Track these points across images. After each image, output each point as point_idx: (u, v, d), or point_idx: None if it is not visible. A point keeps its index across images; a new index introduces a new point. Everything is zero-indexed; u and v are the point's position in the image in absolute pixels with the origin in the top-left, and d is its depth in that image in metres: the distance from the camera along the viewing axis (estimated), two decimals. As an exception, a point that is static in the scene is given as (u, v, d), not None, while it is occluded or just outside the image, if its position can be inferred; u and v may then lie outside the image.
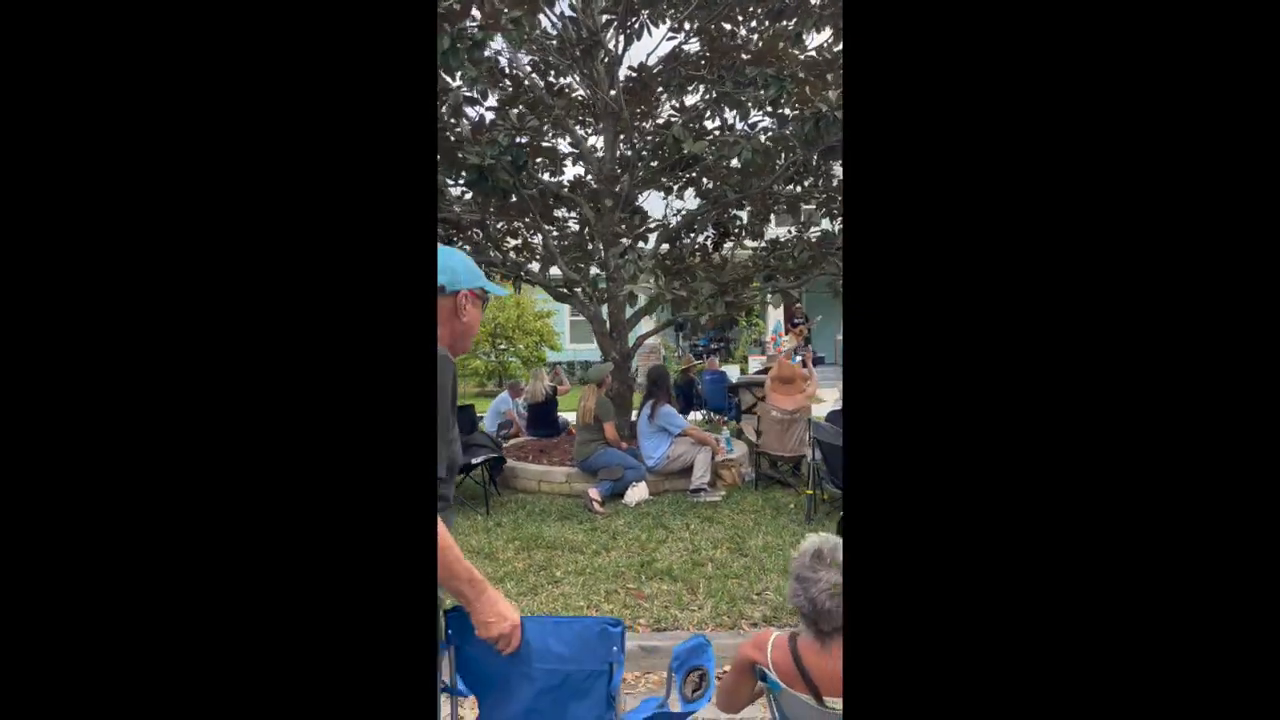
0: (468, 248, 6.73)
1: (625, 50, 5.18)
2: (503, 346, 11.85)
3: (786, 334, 12.69)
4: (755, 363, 11.38)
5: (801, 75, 4.25)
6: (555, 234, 6.50)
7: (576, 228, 6.32)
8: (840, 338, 15.06)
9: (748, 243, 6.86)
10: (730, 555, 3.68)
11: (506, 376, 12.00)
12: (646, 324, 14.54)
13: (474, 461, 4.43)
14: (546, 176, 5.65)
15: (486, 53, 3.49)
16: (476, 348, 11.68)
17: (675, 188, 6.10)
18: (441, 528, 1.13)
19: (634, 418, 5.42)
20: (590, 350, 15.75)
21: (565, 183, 5.93)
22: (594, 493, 4.47)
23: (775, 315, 13.90)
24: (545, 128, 4.56)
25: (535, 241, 6.33)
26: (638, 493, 4.56)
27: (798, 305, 13.05)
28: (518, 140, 3.71)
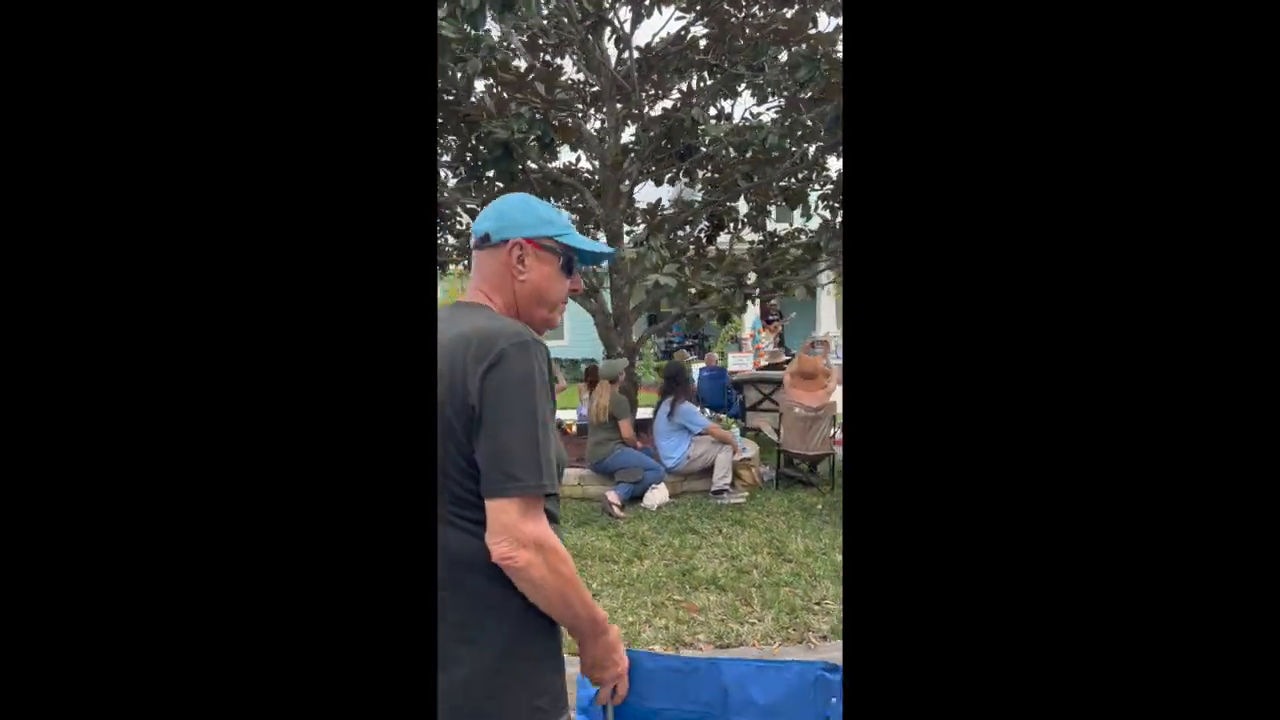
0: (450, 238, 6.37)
1: (635, 28, 4.91)
2: (475, 343, 11.31)
3: (763, 330, 12.63)
4: (734, 360, 11.23)
5: (837, 56, 4.07)
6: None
7: (573, 216, 6.02)
8: (815, 334, 15.11)
9: (744, 235, 6.68)
10: (774, 561, 3.47)
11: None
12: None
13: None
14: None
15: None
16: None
17: (668, 176, 5.86)
18: (570, 560, 0.92)
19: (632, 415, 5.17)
20: (561, 346, 15.40)
21: (560, 168, 5.62)
22: (613, 496, 4.20)
23: (752, 311, 13.82)
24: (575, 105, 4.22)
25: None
26: (658, 495, 4.31)
27: (772, 303, 12.97)
28: (539, 115, 3.41)
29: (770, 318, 12.96)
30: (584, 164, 6.14)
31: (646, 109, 4.98)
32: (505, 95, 3.43)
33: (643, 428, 5.14)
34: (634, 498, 4.32)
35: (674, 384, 4.58)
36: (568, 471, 4.63)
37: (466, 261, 6.74)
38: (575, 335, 15.01)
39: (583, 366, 9.75)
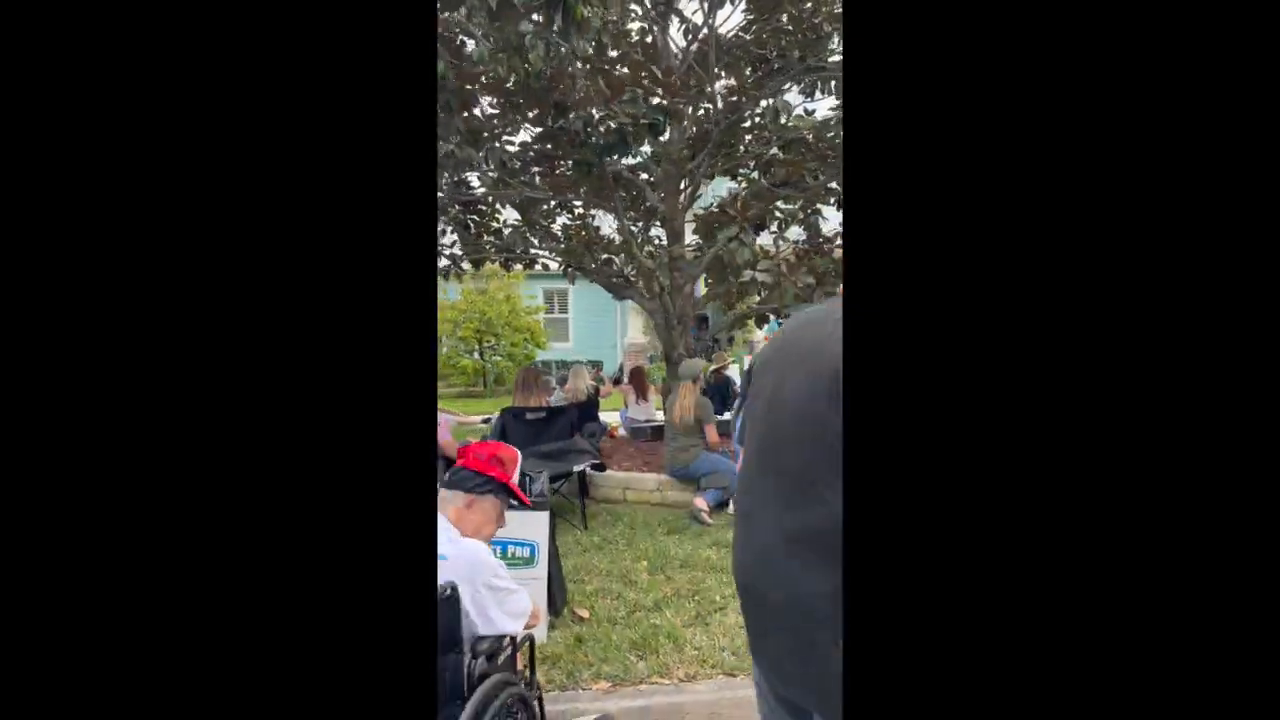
0: (489, 237, 6.12)
1: (709, 19, 4.75)
2: (489, 344, 11.06)
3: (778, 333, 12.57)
4: (748, 363, 11.15)
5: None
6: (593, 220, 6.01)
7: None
8: (823, 338, 15.05)
9: (789, 234, 6.55)
10: (893, 571, 3.32)
11: (495, 377, 11.26)
12: (635, 326, 14.08)
13: (575, 469, 3.89)
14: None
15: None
16: (463, 344, 10.87)
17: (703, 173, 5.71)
18: None
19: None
20: (565, 349, 15.18)
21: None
22: (701, 502, 4.02)
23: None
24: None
25: (588, 226, 5.79)
26: (745, 502, 4.14)
27: (781, 305, 12.85)
28: (656, 101, 3.23)
29: (781, 320, 12.89)
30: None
31: (719, 102, 4.82)
32: (621, 80, 3.25)
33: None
34: (720, 504, 4.15)
35: (757, 386, 4.42)
36: (645, 477, 4.46)
37: (503, 259, 6.51)
38: (580, 338, 14.82)
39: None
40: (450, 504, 1.79)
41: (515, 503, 1.94)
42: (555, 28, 2.25)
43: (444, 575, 1.57)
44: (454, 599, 1.51)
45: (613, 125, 3.16)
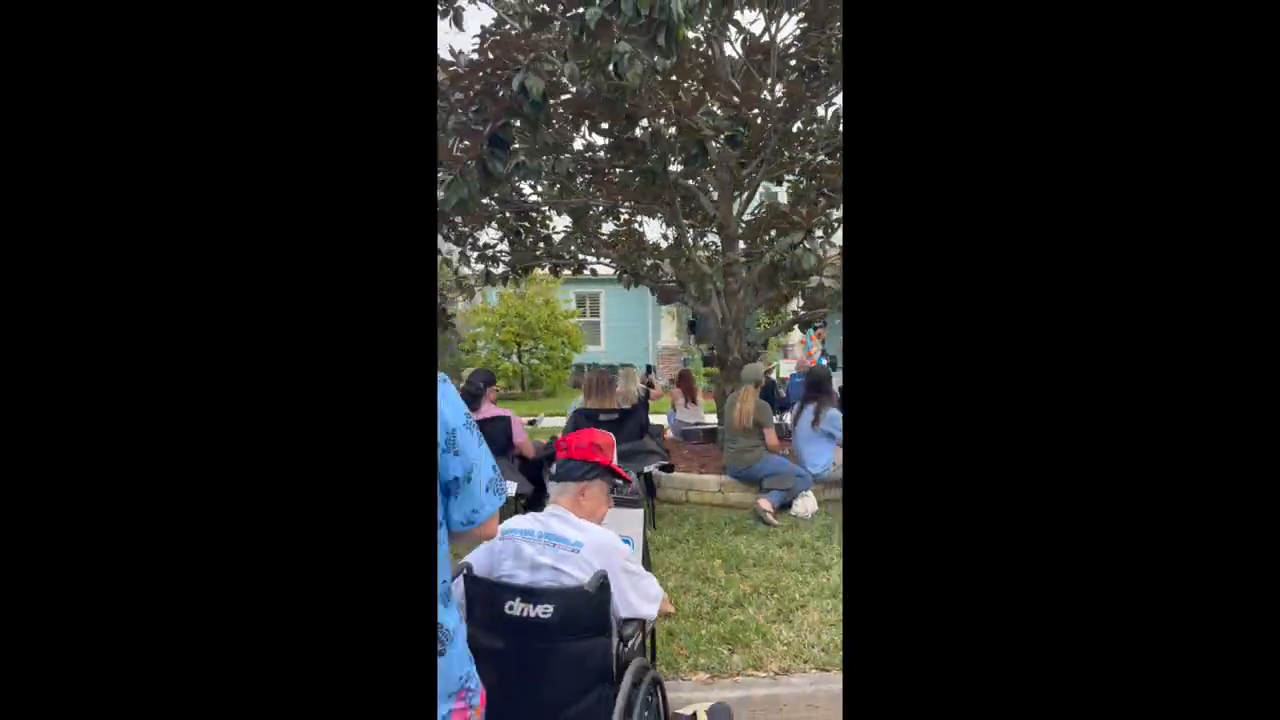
0: (539, 243, 6.25)
1: (769, 29, 4.84)
2: (528, 348, 11.24)
3: (814, 337, 12.61)
4: (784, 367, 11.20)
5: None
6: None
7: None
8: (857, 343, 15.04)
9: (834, 240, 6.61)
10: (966, 572, 3.38)
11: (531, 380, 11.42)
12: (668, 330, 14.17)
13: (645, 469, 4.00)
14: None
15: None
16: (503, 347, 11.05)
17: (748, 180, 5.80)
18: None
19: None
20: (598, 353, 15.31)
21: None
22: (766, 503, 4.10)
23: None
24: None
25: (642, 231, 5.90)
26: (809, 503, 4.21)
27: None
28: (735, 112, 3.33)
29: (817, 325, 12.92)
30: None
31: (775, 110, 4.91)
32: (702, 94, 3.36)
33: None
34: (782, 505, 4.23)
35: (818, 390, 4.49)
36: (707, 478, 4.55)
37: (550, 265, 6.64)
38: (612, 341, 14.94)
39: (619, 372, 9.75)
40: (563, 495, 1.88)
41: (619, 483, 2.05)
42: (659, 45, 2.36)
43: (584, 563, 1.67)
44: (606, 585, 1.61)
45: (697, 136, 3.25)
